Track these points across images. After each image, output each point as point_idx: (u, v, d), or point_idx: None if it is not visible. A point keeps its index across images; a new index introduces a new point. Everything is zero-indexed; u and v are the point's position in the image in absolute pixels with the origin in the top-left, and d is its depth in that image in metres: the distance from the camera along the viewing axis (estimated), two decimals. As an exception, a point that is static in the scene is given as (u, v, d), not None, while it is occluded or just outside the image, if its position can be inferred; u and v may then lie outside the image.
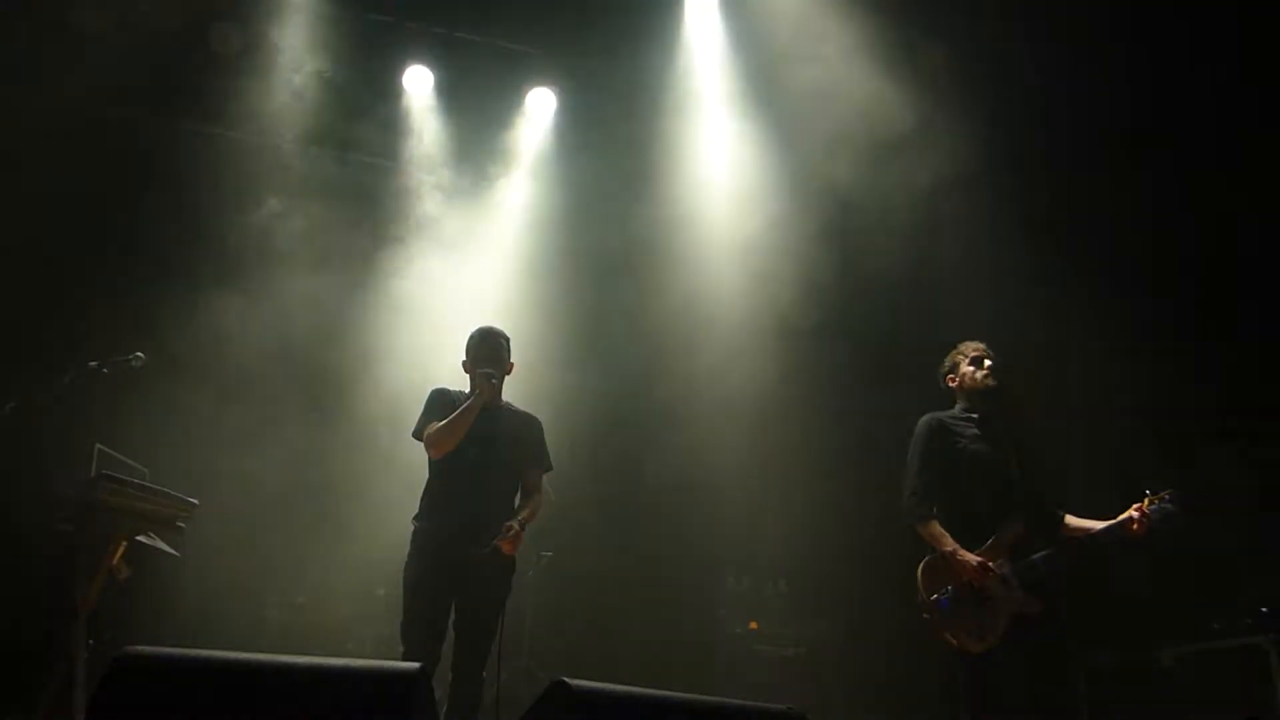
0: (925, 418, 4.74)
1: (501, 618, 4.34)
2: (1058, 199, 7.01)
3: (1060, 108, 6.91)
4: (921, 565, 4.47)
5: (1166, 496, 4.33)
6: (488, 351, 4.69)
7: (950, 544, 4.39)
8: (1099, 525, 4.44)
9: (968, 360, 4.78)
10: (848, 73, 7.20)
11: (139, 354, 5.20)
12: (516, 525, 4.42)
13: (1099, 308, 6.55)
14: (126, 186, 7.35)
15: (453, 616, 4.47)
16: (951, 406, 4.83)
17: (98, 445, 5.15)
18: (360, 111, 7.53)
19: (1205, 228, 6.45)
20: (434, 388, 4.76)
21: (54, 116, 6.89)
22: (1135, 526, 4.31)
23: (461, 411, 4.52)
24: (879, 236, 7.60)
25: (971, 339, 4.90)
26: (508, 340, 4.79)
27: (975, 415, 4.71)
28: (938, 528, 4.45)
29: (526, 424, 4.80)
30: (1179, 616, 5.79)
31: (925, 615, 4.38)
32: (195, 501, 4.83)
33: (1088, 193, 6.93)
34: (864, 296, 7.90)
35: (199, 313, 7.43)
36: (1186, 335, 6.40)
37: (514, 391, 4.87)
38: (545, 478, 4.84)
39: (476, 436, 4.50)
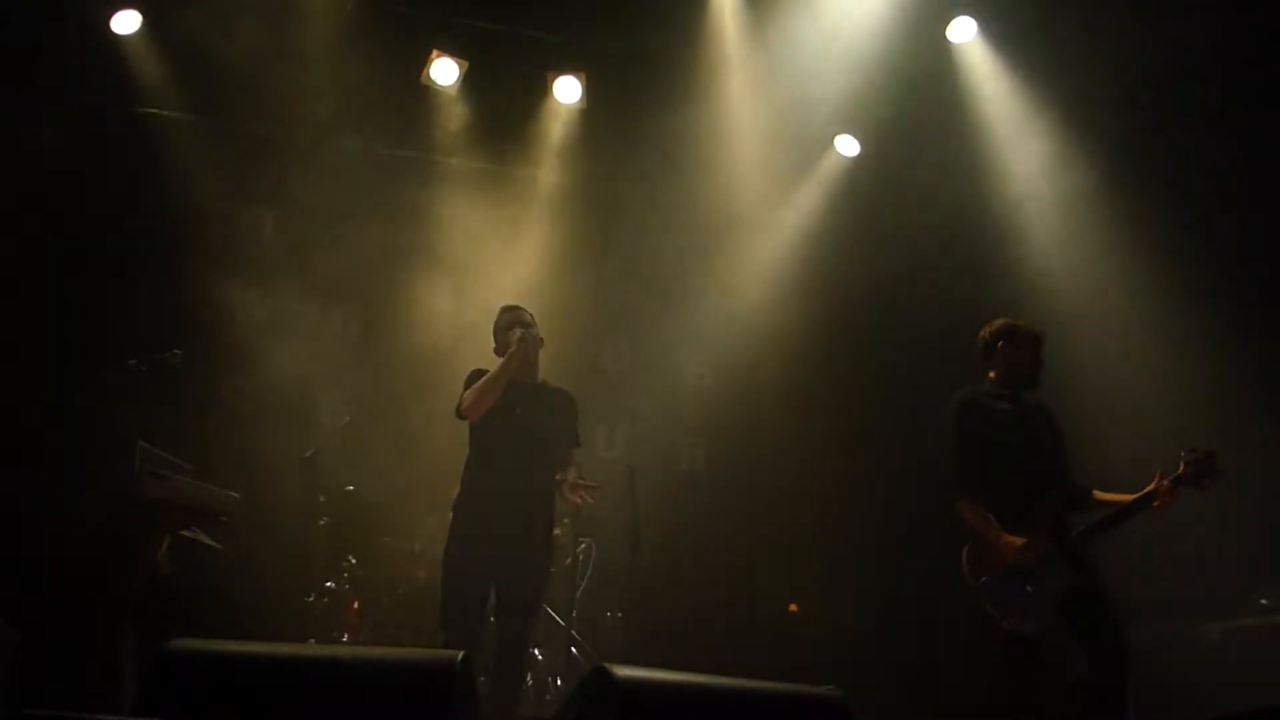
0: (959, 393, 4.73)
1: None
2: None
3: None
4: (965, 550, 4.44)
5: (1204, 456, 4.26)
6: (519, 318, 4.72)
7: (994, 528, 4.35)
8: (1129, 497, 4.37)
9: (1027, 344, 4.71)
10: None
11: (176, 351, 5.25)
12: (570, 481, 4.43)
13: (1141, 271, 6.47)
14: (159, 181, 7.40)
15: (492, 600, 4.48)
16: (983, 380, 4.79)
17: (140, 442, 5.20)
18: (387, 102, 7.53)
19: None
20: (473, 369, 4.76)
21: (83, 114, 6.94)
22: (1159, 500, 4.26)
23: (499, 368, 4.52)
24: (919, 214, 7.53)
25: (1009, 306, 4.87)
26: (532, 316, 4.82)
27: (1007, 392, 4.69)
28: (980, 508, 4.42)
29: (562, 402, 4.80)
30: (1226, 590, 5.71)
31: (983, 600, 4.33)
32: (236, 495, 4.88)
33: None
34: (905, 278, 7.82)
35: (237, 307, 7.48)
36: (1236, 297, 6.26)
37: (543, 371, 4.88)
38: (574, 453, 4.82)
39: (513, 417, 4.51)
